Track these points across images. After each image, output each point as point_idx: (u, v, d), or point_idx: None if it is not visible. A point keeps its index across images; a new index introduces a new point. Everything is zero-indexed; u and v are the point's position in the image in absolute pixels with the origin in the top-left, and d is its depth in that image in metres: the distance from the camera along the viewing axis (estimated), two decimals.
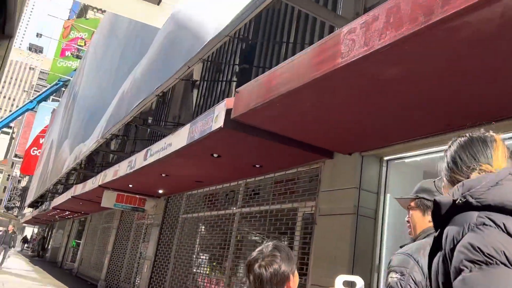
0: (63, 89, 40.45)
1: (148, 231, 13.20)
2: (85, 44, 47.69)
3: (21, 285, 13.14)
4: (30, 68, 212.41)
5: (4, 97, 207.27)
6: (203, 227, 10.01)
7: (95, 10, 62.87)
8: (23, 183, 66.97)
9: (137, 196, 11.14)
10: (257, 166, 6.49)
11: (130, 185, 10.10)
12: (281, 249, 1.62)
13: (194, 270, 9.96)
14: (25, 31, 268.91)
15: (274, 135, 4.97)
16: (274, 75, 3.93)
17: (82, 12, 64.15)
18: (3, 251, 16.66)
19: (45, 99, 38.55)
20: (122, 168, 9.12)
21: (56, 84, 36.86)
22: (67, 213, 20.05)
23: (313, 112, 4.09)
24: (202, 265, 9.59)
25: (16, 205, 65.16)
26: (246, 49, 8.96)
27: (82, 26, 56.99)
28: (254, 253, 1.63)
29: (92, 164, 20.59)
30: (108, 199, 10.80)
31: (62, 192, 28.44)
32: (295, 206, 6.66)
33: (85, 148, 14.49)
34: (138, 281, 12.52)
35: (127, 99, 10.78)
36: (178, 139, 6.25)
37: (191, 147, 5.93)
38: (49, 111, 57.98)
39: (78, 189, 13.51)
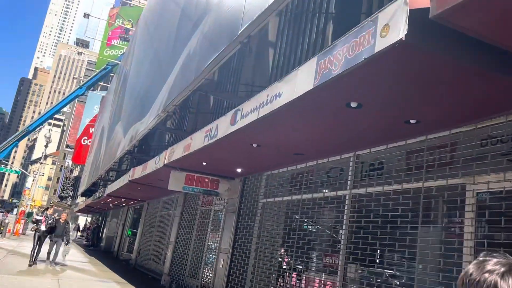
0: (111, 74, 39.63)
1: (216, 219, 11.43)
2: (132, 26, 46.89)
3: (79, 281, 11.78)
4: (78, 57, 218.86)
5: (55, 91, 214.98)
6: (291, 214, 8.06)
7: None
8: (75, 173, 68.13)
9: (209, 177, 9.32)
10: (411, 122, 4.38)
11: (204, 163, 8.26)
12: None
13: (284, 267, 8.04)
14: (72, 26, 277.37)
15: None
16: None
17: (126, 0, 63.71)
18: (55, 245, 13.76)
19: (94, 84, 37.78)
20: (196, 140, 7.26)
21: (105, 68, 36.05)
22: (122, 200, 18.80)
23: None
24: (295, 261, 7.66)
25: (69, 194, 66.37)
26: None
27: (123, 21, 56.53)
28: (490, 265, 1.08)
29: (147, 147, 19.17)
30: (176, 181, 9.05)
31: (115, 179, 27.55)
32: (457, 182, 4.55)
33: (143, 127, 12.88)
34: (209, 276, 10.80)
35: (195, 60, 8.92)
36: (294, 85, 4.25)
37: (319, 92, 3.91)
38: (98, 100, 58.17)
39: (137, 172, 11.91)
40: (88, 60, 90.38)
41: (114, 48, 53.84)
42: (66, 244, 14.43)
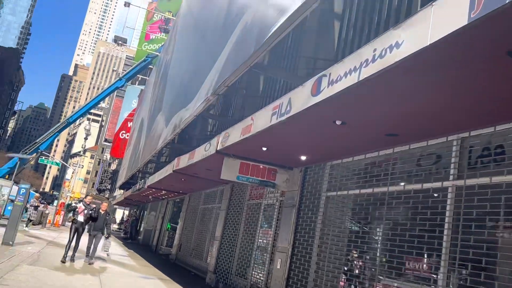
0: (150, 66, 39.34)
1: (268, 214, 10.37)
2: (172, 16, 46.52)
3: (121, 277, 10.99)
4: (116, 54, 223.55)
5: (94, 87, 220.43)
6: (363, 210, 6.88)
7: None
8: (113, 166, 68.96)
9: (265, 166, 8.24)
10: None
11: (264, 148, 7.17)
12: None
13: (353, 270, 6.87)
14: (110, 24, 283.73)
15: None
16: None
17: None
18: (94, 239, 12.38)
19: (133, 76, 37.52)
20: (260, 120, 6.19)
21: (144, 60, 35.75)
22: (162, 192, 18.07)
23: None
24: (367, 264, 6.49)
25: (107, 187, 67.19)
26: None
27: (161, 13, 56.39)
28: None
29: (187, 138, 18.37)
30: (229, 170, 8.03)
31: (154, 171, 27.02)
32: None
33: (188, 113, 11.97)
34: (260, 276, 9.75)
35: (253, 33, 7.83)
36: (425, 27, 3.08)
37: (480, 28, 2.73)
38: (136, 94, 58.45)
39: (183, 161, 11.00)
40: (126, 55, 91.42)
41: (152, 42, 53.76)
42: (107, 238, 12.83)
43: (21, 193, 13.22)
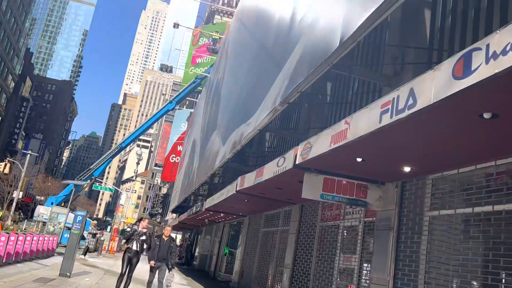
0: (199, 88, 39.21)
1: (350, 238, 9.01)
2: (220, 35, 46.57)
3: None
4: (162, 81, 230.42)
5: (142, 114, 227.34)
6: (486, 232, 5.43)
7: (221, 14, 62.61)
8: (164, 190, 69.43)
9: (353, 181, 6.96)
10: None
11: (359, 159, 5.92)
12: None
13: None
14: (156, 53, 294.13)
15: None
16: None
17: (209, 18, 64.52)
18: (158, 272, 10.26)
19: (183, 98, 37.48)
20: (361, 122, 4.97)
21: (193, 82, 35.58)
22: (221, 215, 17.07)
23: None
24: None
25: (159, 212, 67.54)
26: None
27: (209, 32, 56.94)
28: None
29: (243, 157, 17.40)
30: (311, 187, 6.82)
31: (208, 194, 26.21)
32: None
33: (250, 128, 10.95)
34: None
35: (336, 27, 6.70)
36: None
37: None
38: (184, 117, 58.93)
39: (248, 180, 9.91)
40: (173, 81, 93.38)
41: (199, 66, 54.15)
42: (170, 270, 10.52)
43: (77, 220, 12.58)
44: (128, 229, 11.20)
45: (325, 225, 10.22)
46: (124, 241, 11.24)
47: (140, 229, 10.28)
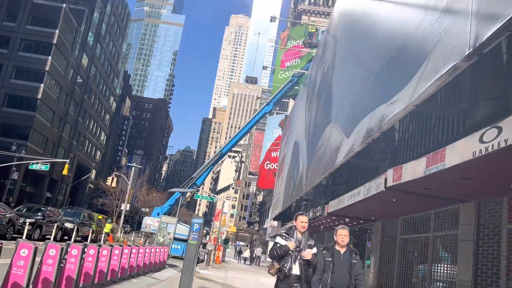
0: (296, 87, 37.35)
1: None
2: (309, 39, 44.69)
3: None
4: (249, 93, 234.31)
5: (232, 126, 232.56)
6: None
7: (308, 14, 60.56)
8: (259, 198, 68.54)
9: None
10: None
11: None
12: None
13: None
14: (241, 67, 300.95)
15: None
16: None
17: (296, 19, 62.83)
18: None
19: (280, 99, 35.88)
20: None
21: (291, 81, 33.84)
22: (346, 220, 14.71)
23: None
24: None
25: (256, 220, 66.71)
26: None
27: (297, 35, 55.25)
28: None
29: (368, 154, 14.95)
30: None
31: (312, 198, 24.04)
32: None
33: (398, 106, 8.58)
34: None
35: None
36: None
37: None
38: (276, 124, 57.63)
39: (410, 171, 7.55)
40: (262, 88, 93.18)
41: (288, 69, 52.60)
42: None
43: (194, 229, 11.04)
44: (281, 240, 5.69)
45: None
46: (273, 259, 5.77)
47: (299, 234, 5.69)
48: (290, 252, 5.56)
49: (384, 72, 10.40)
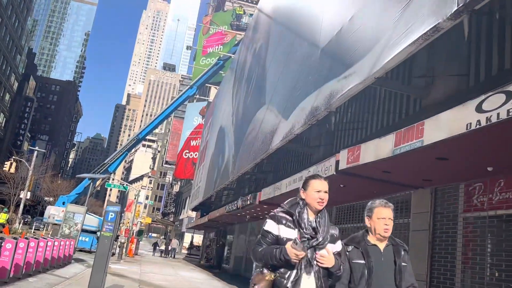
0: (221, 72, 35.89)
1: None
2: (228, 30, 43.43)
3: None
4: (166, 80, 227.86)
5: (147, 114, 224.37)
6: None
7: (232, 1, 59.12)
8: (176, 189, 66.16)
9: None
10: None
11: None
12: None
13: None
14: (158, 53, 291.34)
15: None
16: None
17: (219, 5, 61.08)
18: None
19: (205, 82, 34.21)
20: None
21: (216, 64, 32.24)
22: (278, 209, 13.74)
23: None
24: None
25: (172, 211, 64.37)
26: None
27: (220, 21, 53.77)
28: None
29: (301, 140, 14.12)
30: None
31: (237, 187, 22.87)
32: None
33: (357, 78, 7.61)
34: None
35: None
36: None
37: None
38: (196, 111, 55.70)
39: (372, 152, 6.61)
40: (181, 75, 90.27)
41: (210, 56, 50.84)
42: None
43: (109, 218, 9.24)
44: (279, 219, 3.00)
45: (474, 216, 6.91)
46: (262, 264, 3.00)
47: (311, 216, 3.00)
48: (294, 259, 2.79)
49: (334, 45, 9.43)
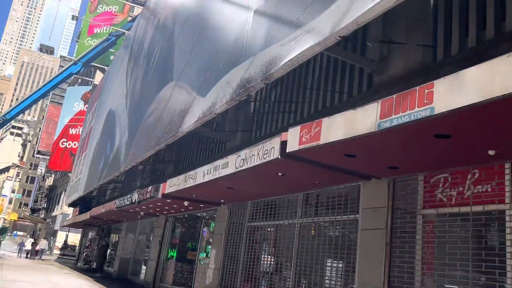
0: (111, 50, 32.15)
1: None
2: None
3: None
4: (42, 63, 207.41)
5: (17, 99, 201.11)
6: None
7: None
8: (49, 182, 59.05)
9: None
10: None
11: None
12: None
13: None
14: (35, 31, 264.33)
15: None
16: None
17: None
18: None
19: (93, 59, 30.13)
20: None
21: (107, 39, 28.60)
22: (185, 204, 11.60)
23: None
24: None
25: (43, 206, 57.22)
26: None
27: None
28: None
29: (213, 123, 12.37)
30: None
31: (125, 180, 20.09)
32: None
33: (306, 41, 6.05)
34: None
35: None
36: None
37: None
38: (78, 97, 50.34)
39: (336, 128, 5.09)
40: (61, 56, 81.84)
41: (97, 37, 46.08)
42: None
43: None
44: None
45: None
46: None
47: None
48: None
49: (274, 4, 7.78)
